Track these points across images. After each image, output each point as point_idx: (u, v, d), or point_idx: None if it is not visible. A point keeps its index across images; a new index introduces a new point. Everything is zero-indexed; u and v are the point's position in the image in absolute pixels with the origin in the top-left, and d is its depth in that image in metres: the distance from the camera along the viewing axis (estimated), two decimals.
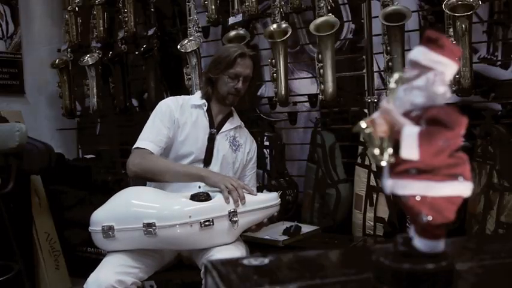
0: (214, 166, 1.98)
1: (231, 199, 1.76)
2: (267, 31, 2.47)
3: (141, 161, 1.87)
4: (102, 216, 1.76)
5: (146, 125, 1.96)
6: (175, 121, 1.95)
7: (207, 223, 1.72)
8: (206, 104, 2.02)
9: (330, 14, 2.31)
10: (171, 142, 1.96)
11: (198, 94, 2.09)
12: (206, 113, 2.02)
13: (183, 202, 1.76)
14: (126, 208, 1.77)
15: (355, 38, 2.62)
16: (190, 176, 1.86)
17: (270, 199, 1.89)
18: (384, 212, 2.24)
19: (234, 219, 1.76)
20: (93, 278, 1.67)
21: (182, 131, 1.97)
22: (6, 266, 2.39)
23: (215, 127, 2.02)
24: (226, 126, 2.05)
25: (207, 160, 1.98)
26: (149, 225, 1.69)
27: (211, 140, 1.99)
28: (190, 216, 1.71)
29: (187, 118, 1.99)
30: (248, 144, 2.11)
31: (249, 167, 2.12)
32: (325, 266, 0.66)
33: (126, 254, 1.76)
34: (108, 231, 1.71)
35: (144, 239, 1.71)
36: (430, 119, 0.50)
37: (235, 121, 2.09)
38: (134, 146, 1.92)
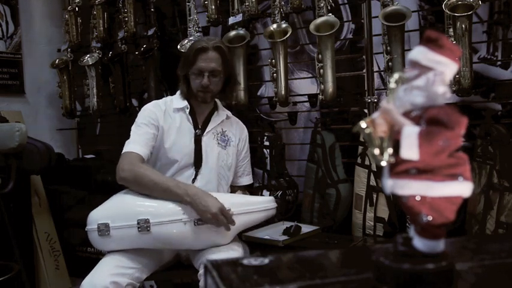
0: (205, 169, 1.94)
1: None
2: (267, 31, 2.47)
3: (132, 168, 1.81)
4: (98, 215, 1.77)
5: (132, 130, 1.92)
6: (160, 128, 1.91)
7: (200, 222, 1.74)
8: (188, 106, 1.97)
9: (330, 14, 2.31)
10: (158, 147, 1.92)
11: (179, 93, 2.02)
12: (189, 116, 1.96)
13: (178, 200, 1.77)
14: (123, 207, 1.79)
15: (355, 38, 2.62)
16: (177, 197, 1.78)
17: (266, 201, 1.91)
18: (384, 212, 2.24)
19: None
20: (87, 280, 1.67)
21: (168, 138, 1.92)
22: (6, 266, 2.39)
23: (200, 127, 1.97)
24: (212, 123, 1.99)
25: (197, 163, 1.94)
26: (143, 222, 1.71)
27: (197, 142, 1.94)
28: (183, 213, 1.74)
29: (171, 124, 1.94)
30: (238, 134, 2.06)
31: (241, 157, 2.08)
32: (325, 266, 0.66)
33: (122, 254, 1.76)
34: (103, 229, 1.72)
35: (139, 237, 1.72)
36: (430, 119, 0.50)
37: (220, 115, 2.03)
38: (123, 151, 1.87)
